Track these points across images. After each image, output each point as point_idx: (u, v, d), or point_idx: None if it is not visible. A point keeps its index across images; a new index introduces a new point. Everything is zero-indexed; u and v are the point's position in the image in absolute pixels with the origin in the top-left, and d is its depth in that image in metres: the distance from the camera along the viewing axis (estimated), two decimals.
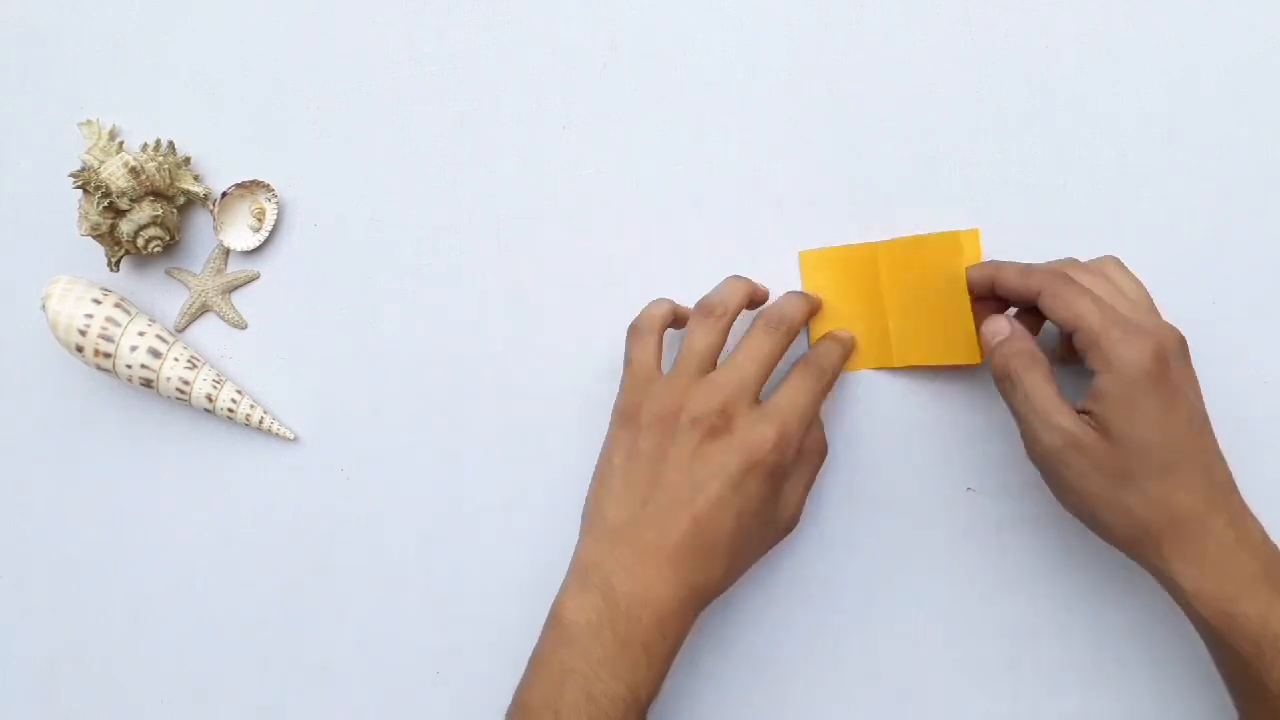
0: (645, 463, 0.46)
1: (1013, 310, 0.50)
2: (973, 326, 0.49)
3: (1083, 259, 0.50)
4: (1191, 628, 0.50)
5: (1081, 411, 0.45)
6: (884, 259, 0.52)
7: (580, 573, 0.46)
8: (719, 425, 0.45)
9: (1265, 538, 0.44)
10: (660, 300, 0.50)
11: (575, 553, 0.47)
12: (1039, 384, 0.45)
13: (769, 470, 0.46)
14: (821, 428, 0.51)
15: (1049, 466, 0.46)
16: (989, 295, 0.48)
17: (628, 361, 0.49)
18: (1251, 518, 0.45)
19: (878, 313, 0.52)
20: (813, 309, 0.52)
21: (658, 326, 0.49)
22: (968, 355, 0.50)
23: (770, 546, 0.50)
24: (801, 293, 0.52)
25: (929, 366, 0.52)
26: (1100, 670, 0.51)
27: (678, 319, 0.50)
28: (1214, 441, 0.45)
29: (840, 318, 0.53)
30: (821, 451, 0.50)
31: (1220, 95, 0.53)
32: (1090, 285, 0.46)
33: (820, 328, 0.53)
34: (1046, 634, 0.51)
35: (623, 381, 0.49)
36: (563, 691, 0.43)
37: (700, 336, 0.48)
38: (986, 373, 0.52)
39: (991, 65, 0.54)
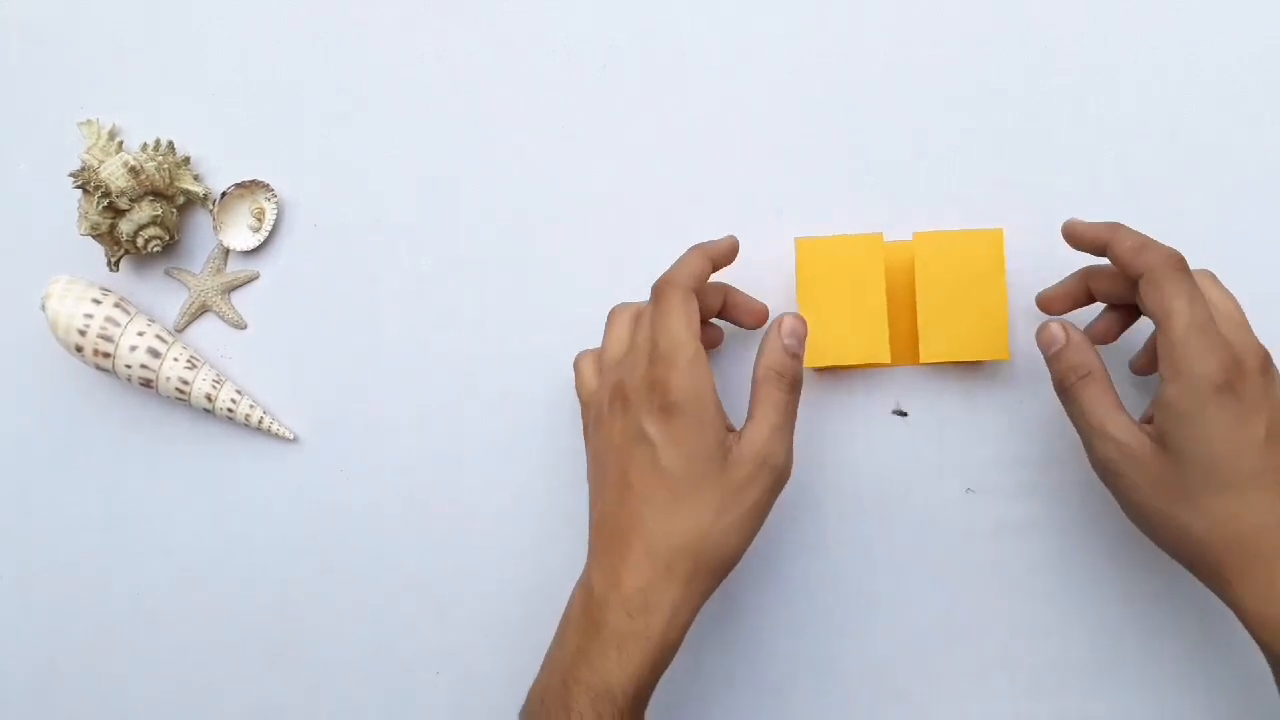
0: (593, 461, 0.48)
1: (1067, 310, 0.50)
2: (1007, 323, 0.49)
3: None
4: (1188, 630, 0.51)
5: (1147, 420, 0.44)
6: (920, 253, 0.51)
7: (583, 572, 0.47)
8: (618, 399, 0.46)
9: None
10: (581, 357, 0.51)
11: None
12: (1095, 396, 0.44)
13: (658, 405, 0.43)
14: (799, 359, 0.46)
15: (1105, 478, 0.45)
16: (1098, 251, 0.46)
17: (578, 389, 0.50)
18: None
19: (894, 306, 0.51)
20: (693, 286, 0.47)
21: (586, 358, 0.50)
22: (998, 351, 0.50)
23: (756, 490, 0.44)
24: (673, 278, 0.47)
25: (955, 363, 0.52)
26: (1100, 670, 0.51)
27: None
28: None
29: (836, 309, 0.51)
30: (783, 382, 0.45)
31: (1221, 95, 0.53)
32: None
33: (815, 319, 0.50)
34: (1046, 634, 0.51)
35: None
36: (549, 682, 0.44)
37: (608, 340, 0.49)
38: (986, 375, 0.52)
39: (991, 65, 0.54)
